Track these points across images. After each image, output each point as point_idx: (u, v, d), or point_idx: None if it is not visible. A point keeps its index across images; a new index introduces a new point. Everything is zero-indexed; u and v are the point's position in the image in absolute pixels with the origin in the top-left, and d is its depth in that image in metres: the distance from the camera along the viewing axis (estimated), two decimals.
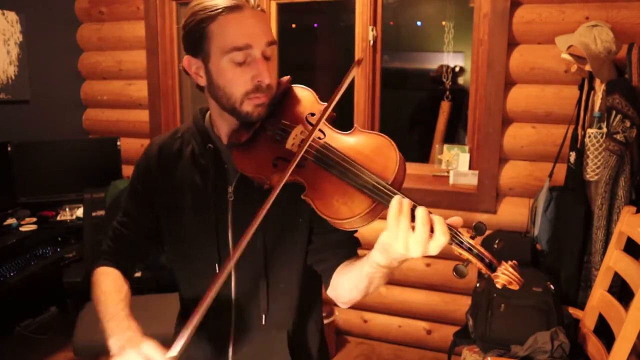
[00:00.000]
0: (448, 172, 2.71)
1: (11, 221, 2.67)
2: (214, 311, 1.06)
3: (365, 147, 0.89)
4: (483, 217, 2.59)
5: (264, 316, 1.08)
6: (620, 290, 1.89)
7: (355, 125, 0.95)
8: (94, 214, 2.60)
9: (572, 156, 2.17)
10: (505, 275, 0.78)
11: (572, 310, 2.03)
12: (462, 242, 0.80)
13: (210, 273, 1.06)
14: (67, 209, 2.89)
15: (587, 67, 2.09)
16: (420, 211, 0.77)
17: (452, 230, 0.80)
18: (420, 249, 0.77)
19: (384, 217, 0.81)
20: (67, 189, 2.95)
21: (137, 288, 2.55)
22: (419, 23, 4.09)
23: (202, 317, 0.86)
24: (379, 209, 0.83)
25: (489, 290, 2.06)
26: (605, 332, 1.80)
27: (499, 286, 0.79)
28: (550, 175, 2.34)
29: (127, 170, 3.25)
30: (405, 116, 4.12)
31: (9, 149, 2.77)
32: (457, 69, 3.82)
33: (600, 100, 2.07)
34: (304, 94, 1.04)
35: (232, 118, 1.02)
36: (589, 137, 2.07)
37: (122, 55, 3.26)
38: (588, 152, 2.07)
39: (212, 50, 0.95)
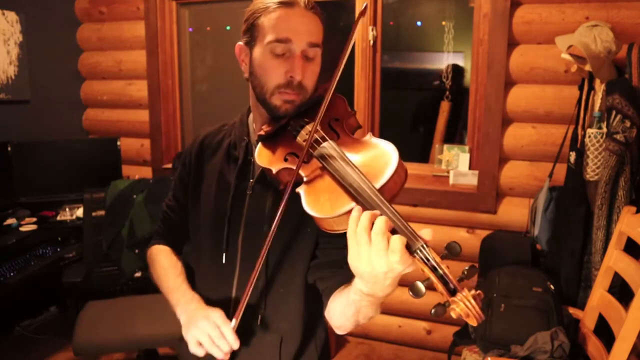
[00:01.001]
0: (448, 172, 2.71)
1: (11, 221, 2.67)
2: (213, 304, 1.07)
3: (369, 151, 0.89)
4: (483, 217, 2.59)
5: (259, 317, 1.08)
6: (620, 290, 1.88)
7: (369, 132, 0.96)
8: (94, 214, 2.61)
9: (572, 156, 2.17)
10: (465, 305, 0.69)
11: (572, 310, 2.03)
12: (427, 259, 0.71)
13: (217, 263, 1.09)
14: (67, 209, 2.89)
15: (587, 67, 2.09)
16: (379, 220, 0.73)
17: (418, 242, 0.72)
18: (383, 260, 0.71)
19: None
20: (67, 189, 2.95)
21: (137, 288, 2.55)
22: (419, 23, 4.09)
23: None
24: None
25: (489, 290, 2.06)
26: (605, 332, 1.80)
27: (454, 315, 0.70)
28: (550, 175, 2.34)
29: (127, 170, 3.25)
30: (405, 116, 4.11)
31: (9, 149, 2.77)
32: (457, 69, 3.81)
33: (600, 100, 2.07)
34: (338, 102, 1.04)
35: (265, 111, 1.04)
36: (589, 137, 2.06)
37: (122, 55, 3.26)
38: (588, 152, 2.07)
39: (259, 39, 1.00)
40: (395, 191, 0.83)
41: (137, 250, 2.52)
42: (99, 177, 2.90)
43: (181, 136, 3.38)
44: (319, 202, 0.84)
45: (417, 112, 4.17)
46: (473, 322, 0.69)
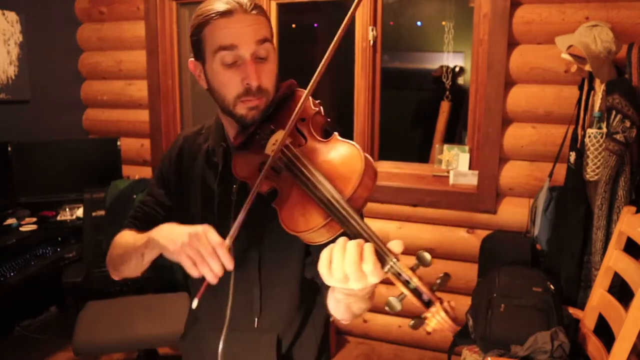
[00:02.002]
0: (448, 172, 2.71)
1: (11, 221, 2.67)
2: (211, 306, 1.07)
3: (336, 156, 0.86)
4: (483, 217, 2.59)
5: (256, 319, 1.09)
6: (620, 290, 1.88)
7: (335, 133, 0.92)
8: (94, 214, 2.60)
9: (572, 156, 2.17)
10: (437, 320, 0.68)
11: (572, 310, 2.03)
12: (399, 274, 0.70)
13: None
14: (67, 209, 2.89)
15: (587, 67, 2.09)
16: (367, 248, 0.71)
17: (389, 257, 0.70)
18: (357, 279, 0.70)
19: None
20: (67, 189, 2.95)
21: (137, 288, 2.55)
22: (419, 23, 4.09)
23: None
24: (334, 225, 0.78)
25: (489, 290, 2.06)
26: (605, 332, 1.80)
27: (429, 330, 0.69)
28: (550, 175, 2.34)
29: (127, 170, 3.25)
30: (405, 116, 4.12)
31: (9, 149, 2.77)
32: (457, 69, 3.82)
33: (600, 100, 2.07)
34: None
35: (233, 120, 1.03)
36: (589, 137, 2.06)
37: (122, 55, 3.26)
38: (588, 152, 2.07)
39: (207, 53, 0.98)
40: (366, 196, 0.80)
41: None
42: (99, 177, 2.90)
43: None
44: (293, 217, 0.82)
45: (417, 112, 4.17)
46: (449, 334, 0.68)
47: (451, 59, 3.28)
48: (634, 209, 1.86)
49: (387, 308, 0.70)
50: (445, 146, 2.76)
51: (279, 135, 0.94)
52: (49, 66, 3.14)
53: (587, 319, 1.91)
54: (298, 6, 3.07)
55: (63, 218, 2.84)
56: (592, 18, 2.26)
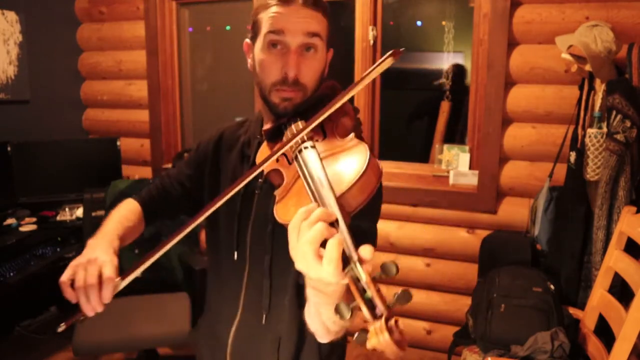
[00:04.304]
0: (448, 172, 2.71)
1: (11, 221, 2.67)
2: (225, 297, 1.09)
3: (341, 154, 0.84)
4: (483, 217, 2.59)
5: (264, 315, 1.09)
6: (621, 291, 1.88)
7: (352, 134, 0.90)
8: (94, 214, 2.60)
9: (572, 156, 2.17)
10: (378, 340, 0.60)
11: (572, 310, 2.03)
12: (358, 279, 0.63)
13: (229, 259, 1.10)
14: (67, 209, 2.89)
15: (587, 67, 2.09)
16: (316, 212, 0.67)
17: (353, 257, 0.64)
18: (313, 267, 0.65)
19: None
20: (67, 189, 2.95)
21: (137, 288, 2.55)
22: (419, 23, 4.09)
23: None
24: None
25: (489, 290, 2.06)
26: (605, 332, 1.80)
27: (369, 347, 0.61)
28: (550, 175, 2.34)
29: (127, 170, 3.25)
30: (405, 116, 4.11)
31: (9, 149, 2.77)
32: (457, 69, 3.81)
33: (601, 100, 2.07)
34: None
35: (268, 109, 1.03)
36: (589, 137, 2.06)
37: (122, 55, 3.26)
38: (588, 152, 2.07)
39: (258, 34, 0.99)
40: (361, 199, 0.76)
41: (136, 250, 2.51)
42: (99, 177, 2.90)
43: (181, 136, 3.38)
44: (286, 207, 0.82)
45: (417, 112, 4.16)
46: (390, 357, 0.60)
47: (451, 59, 3.27)
48: (634, 209, 1.86)
49: (335, 313, 0.63)
50: (445, 146, 2.76)
51: (299, 127, 0.93)
52: (48, 66, 3.14)
53: (587, 319, 1.91)
54: None
55: (63, 218, 2.84)
56: (592, 18, 2.26)
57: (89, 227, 2.58)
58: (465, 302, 2.32)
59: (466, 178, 2.66)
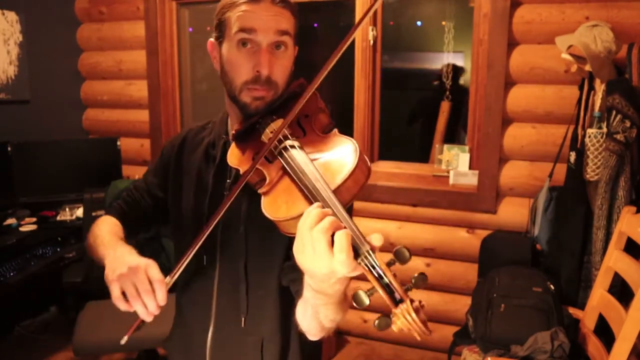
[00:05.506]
0: (448, 172, 2.71)
1: (11, 221, 2.67)
2: (197, 305, 1.07)
3: (330, 149, 0.85)
4: (483, 217, 2.59)
5: (243, 318, 1.07)
6: (620, 290, 1.89)
7: (335, 129, 0.91)
8: (94, 214, 2.60)
9: (572, 156, 2.17)
10: (405, 320, 0.63)
11: (572, 310, 2.03)
12: (372, 266, 0.66)
13: (198, 264, 1.07)
14: (67, 209, 2.89)
15: (587, 67, 2.09)
16: (325, 220, 0.68)
17: (364, 247, 0.66)
18: (324, 261, 0.66)
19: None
20: (67, 189, 2.95)
21: None
22: (419, 23, 4.09)
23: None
24: None
25: (489, 290, 2.06)
26: (605, 332, 1.80)
27: (395, 329, 0.65)
28: (550, 175, 2.34)
29: (127, 170, 3.25)
30: (405, 116, 4.11)
31: (9, 149, 2.77)
32: (457, 69, 3.81)
33: (600, 100, 2.07)
34: (310, 97, 0.96)
35: (237, 109, 1.02)
36: (589, 137, 2.07)
37: (122, 55, 3.26)
38: (588, 152, 2.07)
39: (226, 33, 0.98)
40: (355, 191, 0.78)
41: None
42: (99, 177, 2.90)
43: None
44: (275, 204, 0.81)
45: (417, 112, 4.16)
46: (417, 337, 0.64)
47: (451, 59, 3.27)
48: (634, 209, 1.86)
49: (354, 302, 0.66)
50: (445, 146, 2.76)
51: (277, 124, 0.93)
52: (48, 66, 3.14)
53: (587, 319, 1.91)
54: (298, 6, 3.07)
55: (63, 218, 2.84)
56: (592, 18, 2.26)
57: (89, 227, 2.57)
58: (465, 302, 2.32)
59: (466, 178, 2.66)
